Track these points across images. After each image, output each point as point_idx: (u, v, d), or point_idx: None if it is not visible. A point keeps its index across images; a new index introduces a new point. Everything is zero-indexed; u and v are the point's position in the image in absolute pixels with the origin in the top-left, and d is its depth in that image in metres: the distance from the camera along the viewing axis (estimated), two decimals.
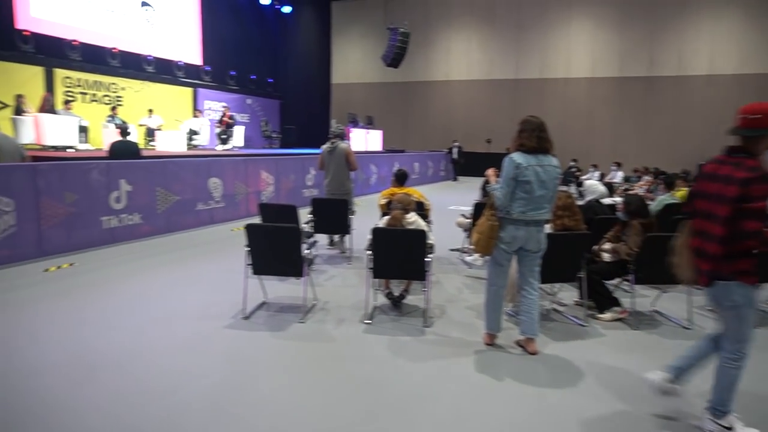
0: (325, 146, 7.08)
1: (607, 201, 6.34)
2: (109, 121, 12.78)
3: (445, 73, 23.36)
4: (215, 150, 14.50)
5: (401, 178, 6.38)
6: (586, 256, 4.48)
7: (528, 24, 21.55)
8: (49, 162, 6.61)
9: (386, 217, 4.88)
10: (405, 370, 3.60)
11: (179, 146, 13.14)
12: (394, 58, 18.53)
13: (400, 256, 4.37)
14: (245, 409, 3.01)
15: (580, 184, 13.34)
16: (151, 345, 3.85)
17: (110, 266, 6.05)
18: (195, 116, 15.58)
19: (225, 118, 15.03)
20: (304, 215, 6.24)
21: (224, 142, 14.86)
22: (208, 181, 8.63)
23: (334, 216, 6.48)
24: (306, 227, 5.98)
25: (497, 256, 3.84)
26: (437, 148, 21.74)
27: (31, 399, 3.03)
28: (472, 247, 6.68)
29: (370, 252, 4.42)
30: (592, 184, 6.30)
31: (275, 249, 4.37)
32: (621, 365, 3.75)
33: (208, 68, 17.76)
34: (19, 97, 10.94)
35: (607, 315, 4.59)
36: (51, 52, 12.91)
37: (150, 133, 13.83)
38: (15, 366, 3.44)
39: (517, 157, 3.66)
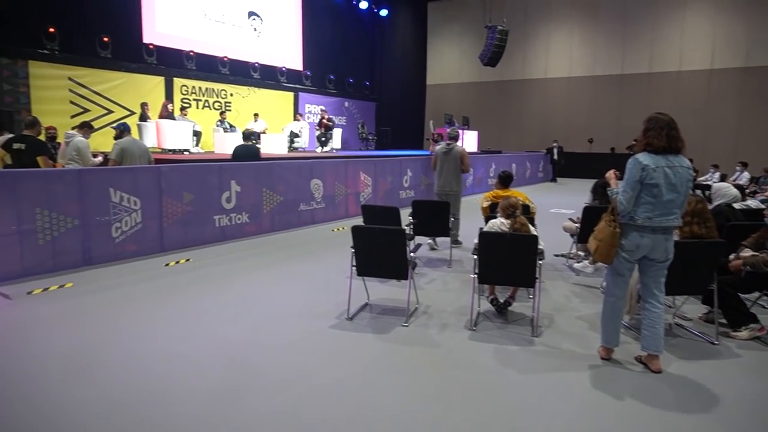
0: (440, 147, 7.42)
1: (737, 205, 5.71)
2: (218, 126, 13.63)
3: (543, 70, 22.51)
4: (315, 152, 14.96)
5: (505, 180, 6.17)
6: (718, 265, 4.04)
7: (636, 14, 20.19)
8: (171, 164, 7.10)
9: (495, 221, 4.69)
10: (514, 381, 3.44)
11: (281, 149, 13.69)
12: (492, 56, 18.11)
13: (509, 261, 4.20)
14: (354, 410, 3.01)
15: (697, 187, 12.26)
16: (264, 341, 3.99)
17: (222, 263, 6.39)
18: (296, 119, 16.17)
19: (324, 121, 15.46)
20: (404, 217, 6.21)
21: (323, 144, 15.29)
22: (311, 183, 8.89)
23: (434, 219, 6.40)
24: (406, 230, 5.95)
25: (617, 265, 3.56)
26: (534, 148, 20.99)
27: (160, 383, 3.24)
28: (580, 253, 6.35)
29: (476, 256, 4.28)
30: (722, 186, 5.70)
31: (381, 251, 4.37)
32: (764, 391, 3.33)
33: (308, 73, 18.39)
34: (143, 105, 11.98)
35: (743, 332, 4.12)
36: (171, 63, 14.01)
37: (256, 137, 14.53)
38: (145, 351, 3.70)
39: (644, 158, 3.37)
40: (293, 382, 3.35)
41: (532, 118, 22.72)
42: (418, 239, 6.21)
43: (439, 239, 7.28)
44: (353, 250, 4.43)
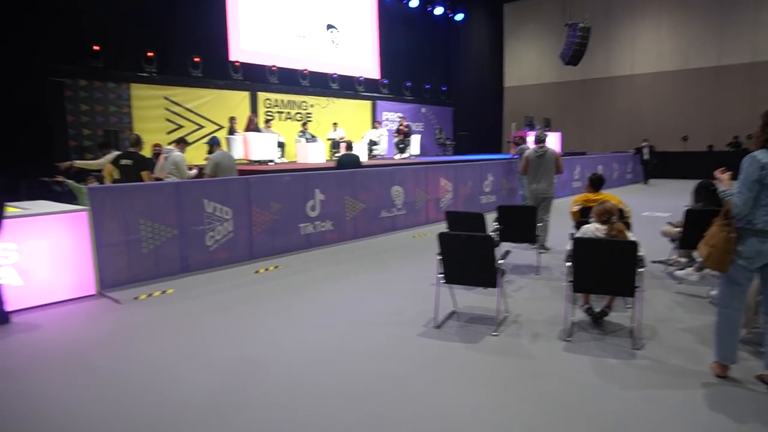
0: (531, 151, 7.57)
1: None
2: (300, 136, 14.03)
3: (629, 67, 21.35)
4: (393, 159, 15.05)
5: (596, 183, 5.86)
6: None
7: (734, 0, 18.66)
8: (259, 175, 7.39)
9: (589, 226, 4.45)
10: (617, 398, 3.21)
11: (361, 157, 13.83)
12: (573, 55, 17.42)
13: (606, 269, 3.96)
14: (444, 422, 2.93)
15: None
16: (352, 348, 4.01)
17: (309, 270, 6.53)
18: (374, 127, 16.37)
19: (402, 128, 15.54)
20: (488, 222, 6.04)
21: (402, 151, 15.37)
22: (391, 189, 8.93)
23: (521, 224, 6.19)
24: (492, 235, 5.80)
25: (734, 273, 3.25)
26: (621, 148, 19.92)
27: (251, 388, 3.33)
28: (682, 259, 5.90)
29: (569, 263, 4.08)
30: None
31: (468, 258, 4.27)
32: None
33: (385, 81, 18.56)
34: (231, 119, 12.58)
35: None
36: (255, 78, 14.63)
37: (335, 146, 14.85)
38: (245, 356, 3.83)
39: (763, 155, 3.06)
40: (381, 390, 3.32)
41: (618, 117, 21.60)
42: (504, 245, 6.02)
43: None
44: (440, 258, 4.37)
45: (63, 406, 3.18)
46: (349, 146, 9.71)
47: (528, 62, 23.86)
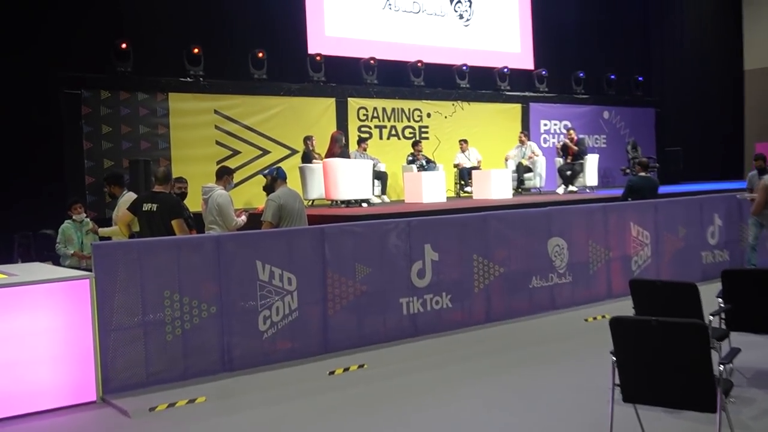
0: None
1: None
2: (409, 163, 14.20)
3: None
4: (557, 194, 14.75)
5: None
6: None
7: None
8: (339, 224, 7.57)
9: None
10: None
11: (504, 192, 13.62)
12: None
13: None
14: None
15: None
16: None
17: (412, 372, 6.46)
18: (520, 141, 16.09)
19: (570, 145, 15.21)
20: (708, 298, 5.62)
21: (570, 181, 15.01)
22: (548, 243, 8.73)
23: (766, 301, 5.70)
24: (711, 321, 5.39)
25: None
26: None
27: None
28: None
29: None
30: None
31: (663, 361, 3.97)
32: None
33: (543, 73, 18.46)
34: (306, 140, 13.07)
35: None
36: (344, 78, 15.29)
37: (463, 176, 14.86)
38: None
39: None
40: None
41: None
42: (736, 339, 5.57)
43: None
44: (614, 359, 4.11)
45: None
46: (645, 167, 11.05)
47: None
